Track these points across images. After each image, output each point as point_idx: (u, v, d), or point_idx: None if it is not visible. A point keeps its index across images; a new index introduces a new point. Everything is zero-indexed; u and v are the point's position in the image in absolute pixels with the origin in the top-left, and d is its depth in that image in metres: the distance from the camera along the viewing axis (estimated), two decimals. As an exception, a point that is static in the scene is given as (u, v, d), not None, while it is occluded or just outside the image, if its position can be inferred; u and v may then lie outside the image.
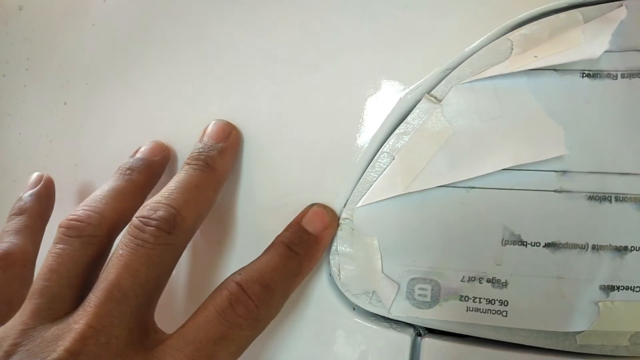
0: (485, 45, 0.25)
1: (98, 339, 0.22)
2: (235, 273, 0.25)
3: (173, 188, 0.26)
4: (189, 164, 0.27)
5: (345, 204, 0.27)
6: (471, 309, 0.25)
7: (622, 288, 0.24)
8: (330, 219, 0.27)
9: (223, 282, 0.25)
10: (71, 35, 0.33)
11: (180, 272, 0.32)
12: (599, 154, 0.24)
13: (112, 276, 0.23)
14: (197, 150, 0.28)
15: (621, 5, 0.24)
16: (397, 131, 0.26)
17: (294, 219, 0.28)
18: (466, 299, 0.26)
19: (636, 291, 0.24)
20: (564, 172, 0.24)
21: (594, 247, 0.24)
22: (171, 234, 0.24)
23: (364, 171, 0.27)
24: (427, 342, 0.27)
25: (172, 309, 0.32)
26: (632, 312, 0.25)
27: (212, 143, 0.28)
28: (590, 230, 0.24)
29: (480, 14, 0.26)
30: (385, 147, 0.26)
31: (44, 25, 0.34)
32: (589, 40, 0.24)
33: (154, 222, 0.24)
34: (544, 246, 0.25)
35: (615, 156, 0.24)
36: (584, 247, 0.24)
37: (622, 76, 0.24)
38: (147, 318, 0.24)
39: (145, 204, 0.25)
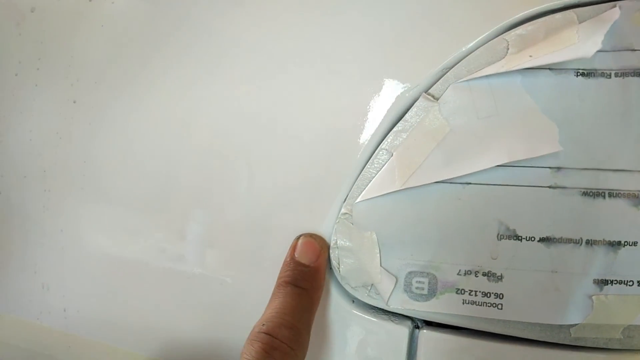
0: (481, 45, 0.26)
1: None
2: (257, 326, 0.26)
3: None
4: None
5: (345, 199, 0.28)
6: (467, 301, 0.26)
7: (615, 282, 0.25)
8: (321, 246, 0.28)
9: (249, 338, 0.26)
10: (81, 36, 0.34)
11: (188, 269, 0.33)
12: (593, 151, 0.25)
13: None
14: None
15: (615, 6, 0.25)
16: (395, 129, 0.27)
17: (287, 255, 0.29)
18: (462, 292, 0.26)
19: (629, 285, 0.25)
20: (559, 168, 0.25)
21: (588, 242, 0.25)
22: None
23: (363, 167, 0.27)
24: (425, 334, 0.27)
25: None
26: (626, 306, 0.25)
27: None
28: (584, 225, 0.25)
29: (477, 14, 0.26)
30: (384, 144, 0.27)
31: (55, 26, 0.35)
32: (583, 40, 0.24)
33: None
34: (538, 241, 0.25)
35: (609, 153, 0.25)
36: (578, 242, 0.25)
37: (616, 75, 0.25)
38: None
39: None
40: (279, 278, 0.28)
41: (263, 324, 0.26)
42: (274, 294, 0.28)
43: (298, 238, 0.29)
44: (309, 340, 0.27)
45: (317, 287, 0.28)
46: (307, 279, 0.28)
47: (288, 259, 0.29)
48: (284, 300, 0.27)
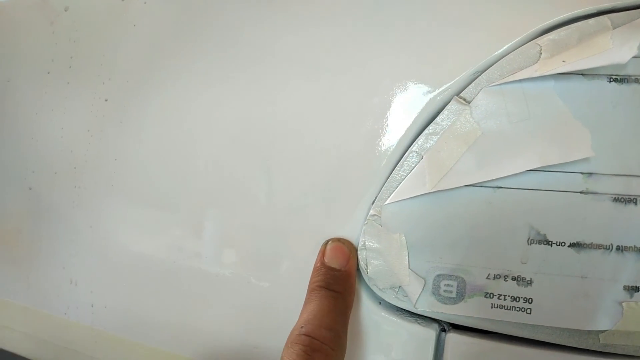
0: (514, 49, 0.26)
1: None
2: (295, 329, 0.26)
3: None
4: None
5: (373, 201, 0.28)
6: (496, 305, 0.26)
7: (646, 289, 0.25)
8: (350, 249, 0.29)
9: (289, 340, 0.26)
10: (113, 35, 0.35)
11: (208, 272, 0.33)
12: (625, 157, 0.25)
13: None
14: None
15: (650, 12, 0.25)
16: (426, 131, 0.27)
17: (317, 261, 0.29)
18: (491, 296, 0.26)
19: (660, 293, 0.25)
20: (590, 174, 0.25)
21: (618, 248, 0.25)
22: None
23: (393, 170, 0.28)
24: (452, 337, 0.27)
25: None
26: (656, 313, 0.25)
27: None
28: (615, 231, 0.25)
29: (510, 19, 0.26)
30: (414, 147, 0.27)
31: (88, 25, 0.36)
32: (617, 45, 0.24)
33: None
34: (569, 246, 0.25)
35: (641, 159, 0.25)
36: (608, 248, 0.25)
37: (650, 81, 0.25)
38: None
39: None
40: (311, 283, 0.28)
41: (302, 327, 0.26)
42: (307, 298, 0.28)
43: (326, 243, 0.29)
44: (346, 342, 0.27)
45: (350, 291, 0.28)
46: (339, 282, 0.28)
47: (318, 265, 0.29)
48: (320, 303, 0.27)
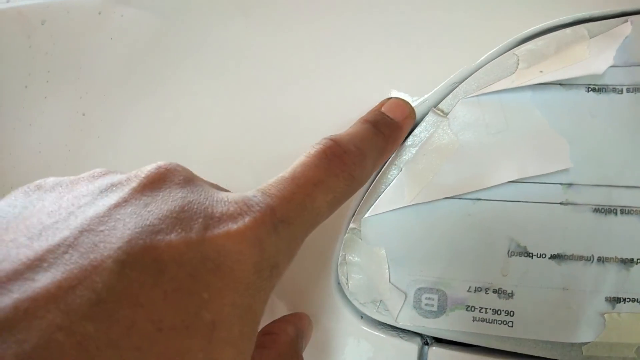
0: (491, 60, 0.26)
1: None
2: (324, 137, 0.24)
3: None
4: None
5: (353, 215, 0.28)
6: (477, 319, 0.26)
7: (628, 300, 0.25)
8: (410, 110, 0.27)
9: (315, 143, 0.23)
10: (90, 49, 0.34)
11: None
12: (604, 167, 0.25)
13: None
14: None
15: (626, 21, 0.24)
16: (404, 143, 0.27)
17: (375, 106, 0.27)
18: (472, 309, 0.26)
19: (642, 303, 0.25)
20: (570, 184, 0.25)
21: (599, 259, 0.25)
22: None
23: (372, 182, 0.27)
24: (434, 351, 0.27)
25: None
26: (639, 324, 0.25)
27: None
28: (595, 242, 0.25)
29: (487, 29, 0.26)
30: (393, 159, 0.27)
31: (65, 39, 0.35)
32: (594, 55, 0.24)
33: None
34: (549, 257, 0.25)
35: (620, 169, 0.24)
36: (589, 259, 0.25)
37: (628, 90, 0.24)
38: None
39: None
40: (360, 118, 0.26)
41: (331, 136, 0.23)
42: (351, 126, 0.26)
43: (389, 98, 0.27)
44: (370, 175, 0.25)
45: (395, 140, 0.26)
46: (388, 126, 0.26)
47: (375, 109, 0.27)
48: (359, 130, 0.25)
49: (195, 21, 0.32)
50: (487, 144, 0.25)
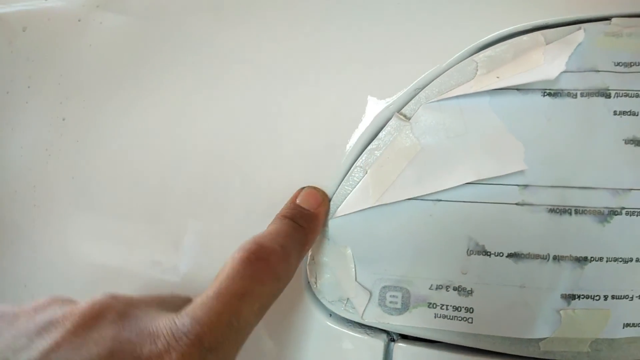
0: (452, 66, 0.27)
1: None
2: (248, 240, 0.25)
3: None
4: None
5: (321, 216, 0.29)
6: (439, 315, 0.27)
7: (582, 297, 0.26)
8: (322, 197, 0.28)
9: (239, 247, 0.24)
10: (70, 55, 0.35)
11: (185, 271, 0.33)
12: (559, 169, 0.25)
13: None
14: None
15: (580, 28, 0.25)
16: (369, 147, 0.28)
17: (290, 200, 0.28)
18: (434, 306, 0.27)
19: (596, 300, 0.26)
20: (526, 186, 0.26)
21: (555, 258, 0.26)
22: None
23: (339, 184, 0.28)
24: (399, 347, 0.28)
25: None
26: (592, 320, 0.26)
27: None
28: (551, 241, 0.26)
29: (448, 36, 0.27)
30: (359, 162, 0.28)
31: (46, 45, 0.36)
32: (549, 61, 0.25)
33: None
34: (507, 256, 0.26)
35: (575, 171, 0.25)
36: (545, 258, 0.26)
37: (582, 95, 0.25)
38: None
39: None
40: (278, 214, 0.27)
41: (254, 237, 0.24)
42: (271, 223, 0.27)
43: (302, 189, 0.29)
44: (294, 271, 0.25)
45: (313, 230, 0.27)
46: (305, 219, 0.27)
47: (290, 202, 0.28)
48: (280, 227, 0.26)
49: (173, 28, 0.33)
50: (447, 147, 0.26)
